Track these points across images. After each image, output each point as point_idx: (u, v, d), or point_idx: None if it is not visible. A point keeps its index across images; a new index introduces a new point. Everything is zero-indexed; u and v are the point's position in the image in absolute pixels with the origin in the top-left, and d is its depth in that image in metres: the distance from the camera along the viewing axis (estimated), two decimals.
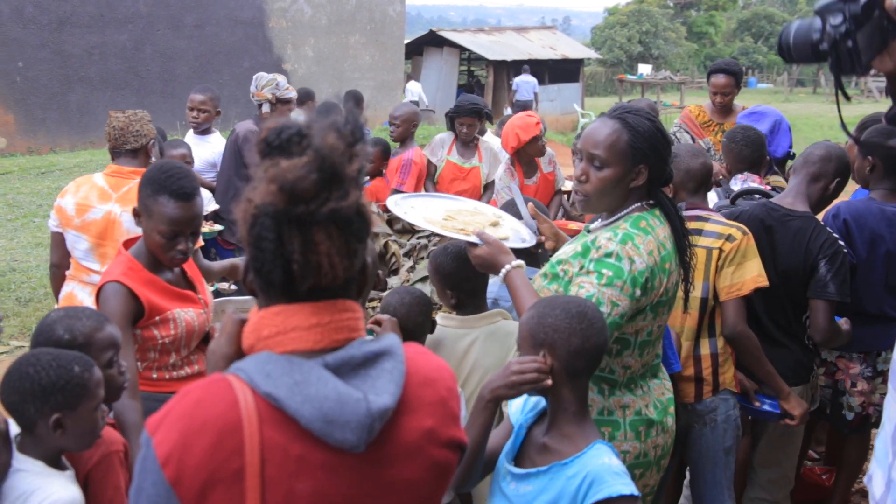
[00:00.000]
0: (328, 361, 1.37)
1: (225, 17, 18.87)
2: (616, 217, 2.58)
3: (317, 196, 1.31)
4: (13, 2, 16.08)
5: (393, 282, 5.02)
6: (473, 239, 2.69)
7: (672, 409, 2.68)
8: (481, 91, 25.54)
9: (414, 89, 21.22)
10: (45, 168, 14.22)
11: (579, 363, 2.15)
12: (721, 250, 3.25)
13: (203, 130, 5.99)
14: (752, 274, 3.24)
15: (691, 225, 3.30)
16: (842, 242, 3.50)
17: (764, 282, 3.24)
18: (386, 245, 5.31)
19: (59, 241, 3.98)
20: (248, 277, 1.44)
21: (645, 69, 25.32)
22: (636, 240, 2.45)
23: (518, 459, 2.25)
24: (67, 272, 3.93)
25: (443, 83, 24.63)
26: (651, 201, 2.60)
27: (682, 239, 2.59)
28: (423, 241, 5.16)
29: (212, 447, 1.30)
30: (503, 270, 2.60)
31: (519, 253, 2.78)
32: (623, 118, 2.54)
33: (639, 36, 43.15)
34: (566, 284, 2.53)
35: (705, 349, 3.31)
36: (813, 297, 3.44)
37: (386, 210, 5.51)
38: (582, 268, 2.48)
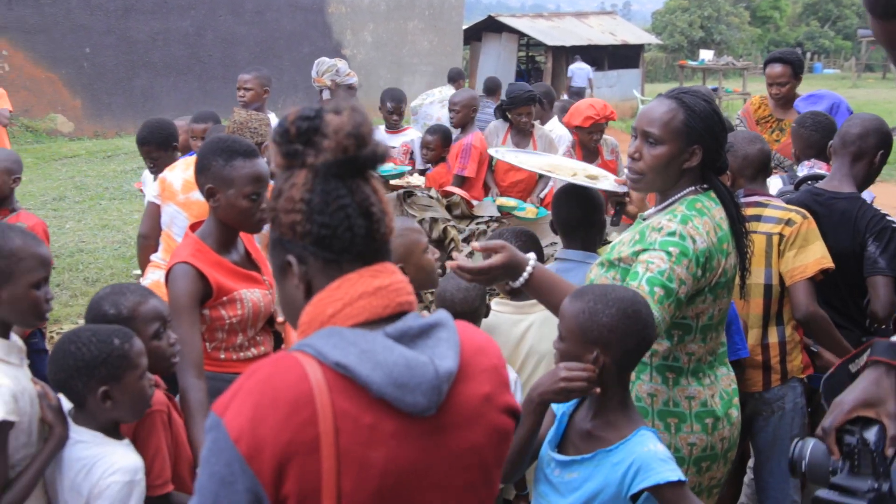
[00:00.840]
0: (388, 332, 1.40)
1: (285, 2, 19.03)
2: (670, 201, 2.56)
3: (371, 140, 1.42)
4: None
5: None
6: (602, 185, 2.93)
7: (737, 400, 2.65)
8: (539, 77, 25.37)
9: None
10: (111, 151, 14.55)
11: (632, 361, 2.17)
12: (782, 235, 3.23)
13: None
14: (815, 256, 3.22)
15: (750, 211, 3.29)
16: (890, 217, 3.45)
17: (828, 263, 3.21)
18: (445, 230, 5.34)
19: (153, 212, 4.03)
20: (302, 269, 1.45)
21: (706, 55, 24.89)
22: (695, 220, 2.44)
23: (561, 446, 2.25)
24: (156, 257, 3.98)
25: (501, 69, 24.48)
26: (705, 185, 2.58)
27: (737, 224, 2.56)
28: (482, 227, 5.18)
29: (285, 418, 1.31)
30: (528, 267, 2.40)
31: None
32: (680, 98, 2.54)
33: (700, 21, 42.36)
34: (623, 272, 2.51)
35: (773, 337, 3.29)
36: (868, 276, 3.40)
37: (446, 195, 5.57)
38: (644, 250, 2.44)
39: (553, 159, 3.31)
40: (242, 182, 2.93)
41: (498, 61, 24.75)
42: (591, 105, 5.64)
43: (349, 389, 1.35)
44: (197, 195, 3.81)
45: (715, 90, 21.69)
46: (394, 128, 6.67)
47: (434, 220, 5.37)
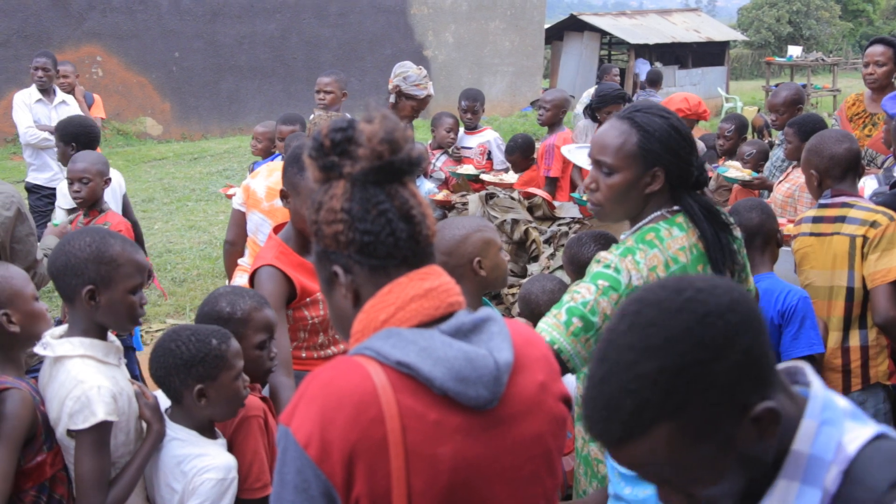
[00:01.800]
0: (443, 329, 1.41)
1: (368, 4, 19.20)
2: (636, 227, 2.38)
3: (406, 144, 1.42)
4: None
5: (533, 269, 5.00)
6: None
7: None
8: (621, 76, 25.07)
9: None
10: (198, 154, 14.89)
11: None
12: (865, 237, 3.13)
13: None
14: None
15: (835, 212, 3.18)
16: None
17: None
18: (526, 232, 5.30)
19: (238, 219, 4.10)
20: (348, 279, 1.46)
21: (795, 51, 24.16)
22: (637, 255, 2.26)
23: None
24: (243, 262, 4.04)
25: (582, 68, 24.28)
26: (676, 207, 2.37)
27: (714, 249, 2.33)
28: (564, 229, 5.12)
29: (352, 419, 1.33)
30: None
31: None
32: (632, 118, 2.33)
33: (788, 16, 41.30)
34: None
35: (854, 341, 3.21)
36: None
37: (528, 196, 5.52)
38: (581, 281, 2.31)
39: None
40: (308, 193, 2.94)
41: (580, 60, 24.54)
42: (686, 98, 5.58)
43: (412, 387, 1.36)
44: (279, 203, 3.86)
45: (804, 87, 21.08)
46: (470, 127, 6.60)
47: (515, 222, 5.33)
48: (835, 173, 3.35)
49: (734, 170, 5.67)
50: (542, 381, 1.50)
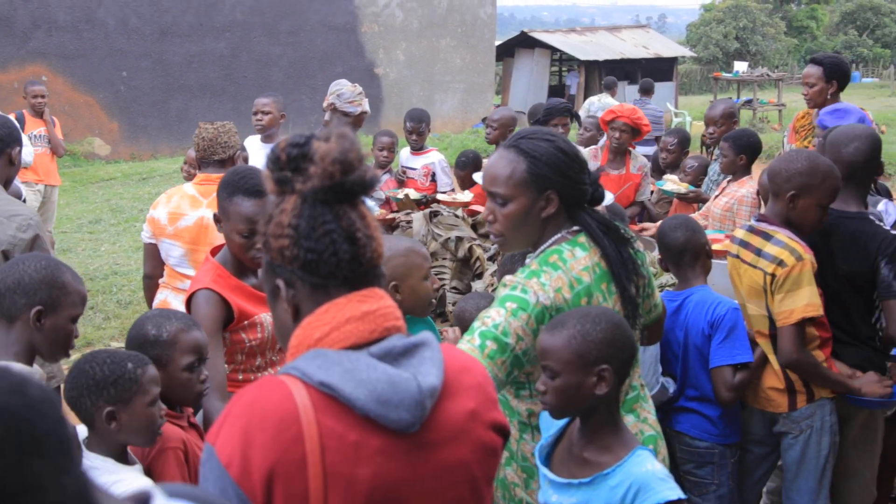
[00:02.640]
0: (372, 352, 1.42)
1: (318, 22, 19.20)
2: (540, 250, 2.41)
3: (361, 166, 1.43)
4: (118, 14, 16.71)
5: (478, 286, 5.02)
6: None
7: (650, 447, 2.41)
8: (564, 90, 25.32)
9: None
10: (147, 174, 14.74)
11: (627, 372, 2.16)
12: (774, 276, 3.12)
13: (268, 136, 5.86)
14: (802, 302, 3.07)
15: (756, 242, 3.20)
16: None
17: (814, 312, 3.08)
18: (471, 249, 5.32)
19: (152, 252, 4.10)
20: (289, 293, 1.47)
21: (741, 66, 24.65)
22: (542, 277, 2.28)
23: (555, 467, 2.24)
24: (161, 280, 4.05)
25: (533, 84, 24.50)
26: (576, 227, 2.40)
27: (616, 265, 2.35)
28: None
29: (272, 438, 1.34)
30: None
31: None
32: (517, 146, 2.36)
33: (736, 32, 42.10)
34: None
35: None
36: (884, 299, 3.30)
37: (472, 214, 5.54)
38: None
39: None
40: (236, 219, 2.96)
41: (531, 77, 24.76)
42: (621, 105, 5.67)
43: (334, 408, 1.37)
44: (185, 222, 3.86)
45: (749, 102, 21.47)
46: (415, 149, 6.58)
47: (460, 239, 5.35)
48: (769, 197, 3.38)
49: (671, 183, 5.76)
50: (473, 409, 1.50)
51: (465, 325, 3.07)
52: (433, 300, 2.93)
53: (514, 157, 2.35)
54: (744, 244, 3.29)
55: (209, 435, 1.41)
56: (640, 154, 5.99)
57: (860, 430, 3.42)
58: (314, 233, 1.42)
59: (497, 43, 24.00)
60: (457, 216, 5.48)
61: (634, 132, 5.66)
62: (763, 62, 39.30)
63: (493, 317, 2.24)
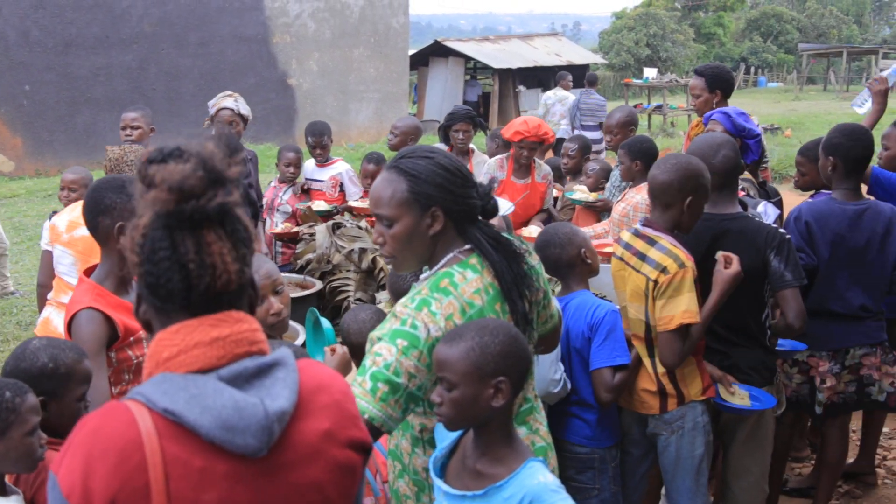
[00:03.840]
0: (222, 375, 1.40)
1: (229, 34, 18.98)
2: (433, 272, 2.39)
3: (204, 193, 1.38)
4: (19, 26, 16.25)
5: (382, 297, 5.03)
6: None
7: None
8: (486, 100, 25.55)
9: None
10: (53, 190, 14.31)
11: (522, 383, 2.16)
12: (656, 282, 3.18)
13: None
14: (681, 308, 3.14)
15: (640, 246, 3.27)
16: (783, 230, 3.49)
17: (692, 318, 3.13)
18: (374, 260, 5.33)
19: (48, 260, 4.06)
20: (141, 308, 1.46)
21: (650, 73, 25.25)
22: (433, 306, 2.25)
23: (449, 479, 2.25)
24: (49, 296, 3.97)
25: (448, 92, 24.65)
26: (468, 246, 2.38)
27: (506, 284, 2.34)
28: None
29: (114, 467, 1.32)
30: None
31: None
32: (397, 166, 2.35)
33: (646, 39, 43.04)
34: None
35: (661, 367, 3.30)
36: (779, 290, 3.41)
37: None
38: (380, 339, 2.26)
39: None
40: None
41: (446, 85, 24.90)
42: (525, 122, 5.71)
43: (179, 434, 1.35)
44: (81, 231, 3.80)
45: (659, 107, 21.97)
46: (321, 161, 6.56)
47: (363, 251, 5.36)
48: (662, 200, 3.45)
49: (580, 192, 5.87)
50: (328, 429, 1.49)
51: (344, 335, 3.09)
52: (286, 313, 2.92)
53: (395, 177, 2.33)
54: (628, 247, 3.36)
55: (53, 464, 1.38)
56: (544, 163, 6.07)
57: (751, 430, 3.53)
58: (154, 256, 1.39)
59: (411, 52, 24.08)
60: (360, 227, 5.49)
61: (540, 144, 5.74)
62: (674, 68, 40.29)
63: (385, 356, 2.20)
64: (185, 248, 1.39)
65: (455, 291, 2.28)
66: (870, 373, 3.99)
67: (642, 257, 3.25)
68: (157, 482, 1.32)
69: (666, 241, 3.23)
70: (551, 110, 13.95)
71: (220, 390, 1.37)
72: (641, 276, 3.23)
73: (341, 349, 2.86)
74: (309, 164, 6.54)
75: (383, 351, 2.21)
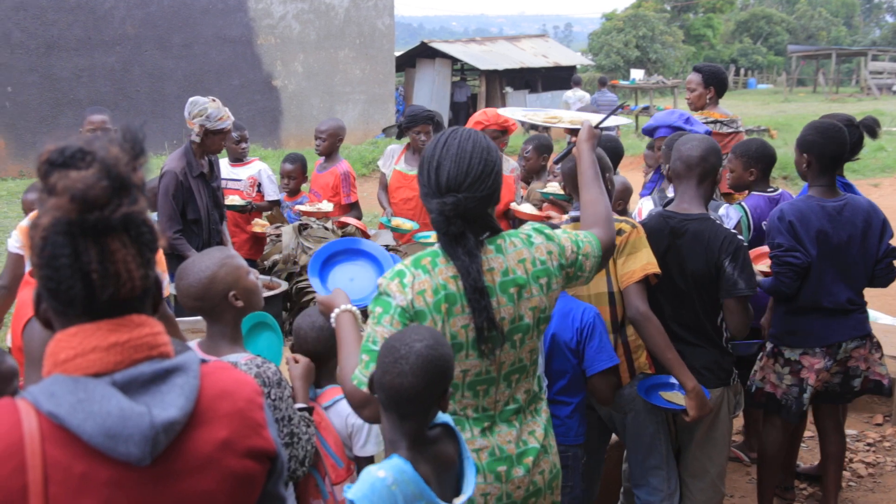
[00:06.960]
0: (116, 380, 1.38)
1: (213, 35, 18.93)
2: (435, 246, 2.47)
3: (109, 202, 1.34)
4: (0, 28, 16.18)
5: None
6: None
7: (529, 459, 2.48)
8: (474, 102, 25.56)
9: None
10: None
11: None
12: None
13: None
14: (641, 262, 3.32)
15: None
16: (741, 237, 3.52)
17: (654, 269, 3.32)
18: None
19: (15, 262, 3.99)
20: (42, 307, 1.43)
21: (637, 74, 25.30)
22: (406, 278, 2.34)
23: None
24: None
25: (436, 94, 24.64)
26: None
27: (470, 290, 2.31)
28: None
29: None
30: (335, 312, 2.63)
31: None
32: None
33: (636, 41, 43.09)
34: None
35: (619, 339, 3.47)
36: (726, 298, 3.44)
37: (342, 226, 5.53)
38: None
39: (558, 111, 3.51)
40: None
41: (433, 86, 24.89)
42: (484, 112, 5.83)
43: (63, 438, 1.34)
44: None
45: (647, 108, 21.99)
46: (239, 159, 6.52)
47: (307, 250, 5.32)
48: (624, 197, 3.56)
49: (551, 187, 5.89)
50: (225, 438, 1.46)
51: (299, 342, 3.05)
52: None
53: None
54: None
55: None
56: (510, 158, 6.08)
57: (706, 431, 3.54)
58: (54, 262, 1.35)
59: (398, 54, 24.06)
60: (326, 228, 5.46)
61: (503, 133, 5.78)
62: (663, 70, 40.34)
63: (368, 329, 2.35)
64: (88, 256, 1.35)
65: (432, 272, 2.36)
66: (857, 364, 4.05)
67: None
68: (35, 485, 1.31)
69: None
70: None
71: (109, 396, 1.35)
72: None
73: (304, 359, 2.93)
74: (223, 164, 6.35)
75: (368, 325, 2.36)
